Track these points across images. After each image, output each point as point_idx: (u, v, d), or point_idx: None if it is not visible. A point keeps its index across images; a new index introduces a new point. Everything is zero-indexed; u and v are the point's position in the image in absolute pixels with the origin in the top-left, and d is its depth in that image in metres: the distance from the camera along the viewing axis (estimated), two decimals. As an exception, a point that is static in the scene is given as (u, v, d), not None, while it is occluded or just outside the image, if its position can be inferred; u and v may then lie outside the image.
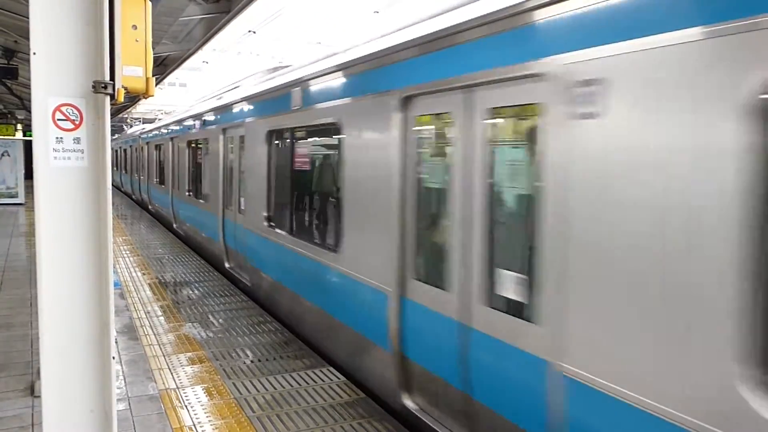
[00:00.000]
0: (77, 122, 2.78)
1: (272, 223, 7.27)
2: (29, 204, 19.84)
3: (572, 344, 2.84)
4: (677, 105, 2.35)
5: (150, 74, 2.99)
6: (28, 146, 21.04)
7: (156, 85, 3.23)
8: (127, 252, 11.61)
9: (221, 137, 9.62)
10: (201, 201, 11.11)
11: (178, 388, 4.99)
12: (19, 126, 24.55)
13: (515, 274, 3.38)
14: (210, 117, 10.50)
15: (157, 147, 17.54)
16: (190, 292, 8.45)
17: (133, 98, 19.05)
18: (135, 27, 2.93)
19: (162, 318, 7.08)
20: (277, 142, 7.24)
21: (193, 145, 12.31)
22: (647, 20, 2.46)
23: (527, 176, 3.33)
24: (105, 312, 2.87)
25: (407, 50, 4.26)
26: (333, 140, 5.79)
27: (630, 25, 2.54)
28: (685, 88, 2.32)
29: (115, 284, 8.57)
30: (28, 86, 13.77)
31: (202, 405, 4.66)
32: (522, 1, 3.15)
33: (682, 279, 2.32)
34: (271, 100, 7.24)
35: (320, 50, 7.64)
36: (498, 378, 3.48)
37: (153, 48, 3.10)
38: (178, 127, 14.12)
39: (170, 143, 15.05)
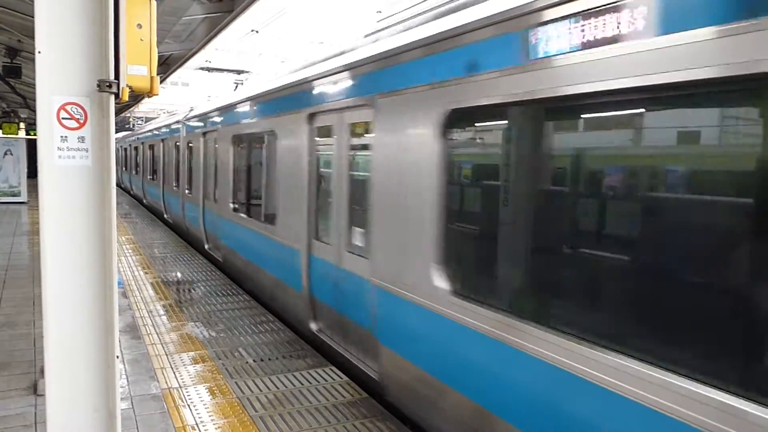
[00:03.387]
0: (82, 121, 2.77)
1: (236, 208, 9.24)
2: (32, 203, 19.87)
3: (377, 268, 4.74)
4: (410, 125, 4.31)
5: (155, 73, 2.98)
6: (31, 145, 21.06)
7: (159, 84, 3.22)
8: (130, 251, 11.63)
9: (201, 140, 11.55)
10: (187, 194, 13.03)
11: (180, 387, 4.99)
12: (22, 125, 24.59)
13: (360, 229, 5.22)
14: (193, 123, 12.54)
15: (151, 147, 19.14)
16: (193, 291, 8.45)
17: (136, 97, 19.09)
18: (140, 26, 2.92)
19: (164, 317, 7.08)
20: (239, 145, 9.20)
21: (180, 146, 14.08)
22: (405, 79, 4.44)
23: (366, 167, 5.05)
24: (109, 311, 2.86)
25: (310, 83, 6.15)
26: (271, 144, 7.52)
27: (400, 80, 4.47)
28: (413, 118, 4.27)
29: (118, 283, 8.57)
30: (31, 85, 13.80)
31: (204, 404, 4.66)
32: (355, 60, 5.18)
33: (415, 228, 4.18)
34: (234, 112, 9.28)
35: (260, 79, 9.91)
36: (352, 297, 5.35)
37: (157, 47, 3.10)
38: (167, 130, 15.93)
39: (162, 144, 16.72)
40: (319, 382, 5.17)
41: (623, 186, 2.97)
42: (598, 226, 3.16)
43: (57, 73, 2.73)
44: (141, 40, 2.91)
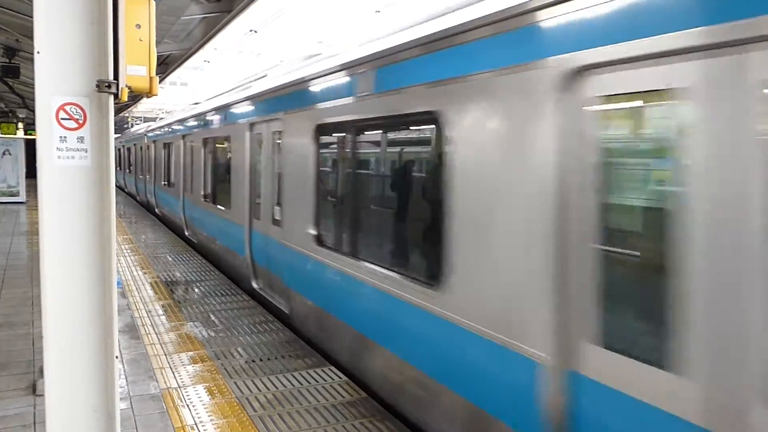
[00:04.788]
0: (81, 121, 2.77)
1: (205, 198, 11.26)
2: (30, 203, 19.84)
3: (286, 232, 6.76)
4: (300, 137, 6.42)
5: (154, 73, 2.97)
6: (29, 145, 21.04)
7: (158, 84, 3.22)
8: (129, 251, 11.62)
9: (182, 141, 13.77)
10: (171, 188, 15.12)
11: (179, 387, 4.99)
12: (20, 125, 24.56)
13: (278, 207, 7.16)
14: (176, 127, 14.76)
15: (142, 148, 20.78)
16: (192, 291, 8.45)
17: (135, 97, 19.16)
18: (139, 26, 2.91)
19: (163, 317, 7.08)
20: (207, 146, 11.31)
21: (167, 147, 16.09)
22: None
23: (283, 162, 7.00)
24: (108, 311, 2.86)
25: (251, 99, 8.26)
26: (227, 146, 9.73)
27: (282, 106, 7.06)
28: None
29: (117, 283, 8.56)
30: (29, 85, 13.78)
31: (203, 404, 4.66)
32: (273, 86, 7.40)
33: (303, 201, 6.23)
34: (202, 119, 11.58)
35: (222, 91, 12.24)
36: (274, 258, 7.28)
37: (155, 47, 3.09)
38: (156, 133, 18.01)
39: (153, 145, 18.34)
40: (318, 381, 5.17)
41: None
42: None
43: (56, 74, 2.72)
44: (140, 40, 2.91)
